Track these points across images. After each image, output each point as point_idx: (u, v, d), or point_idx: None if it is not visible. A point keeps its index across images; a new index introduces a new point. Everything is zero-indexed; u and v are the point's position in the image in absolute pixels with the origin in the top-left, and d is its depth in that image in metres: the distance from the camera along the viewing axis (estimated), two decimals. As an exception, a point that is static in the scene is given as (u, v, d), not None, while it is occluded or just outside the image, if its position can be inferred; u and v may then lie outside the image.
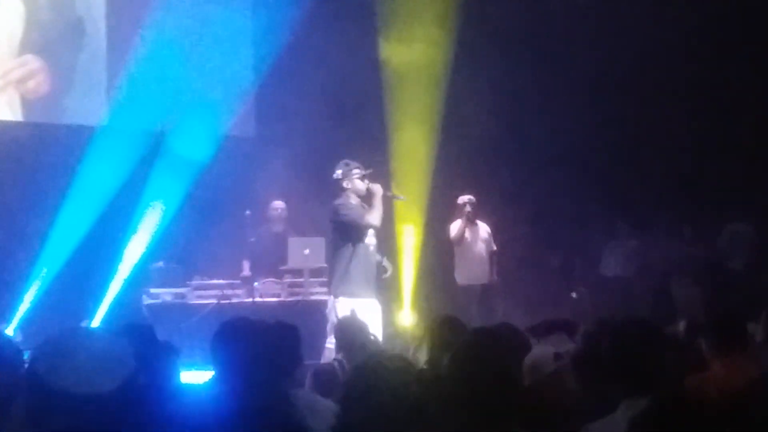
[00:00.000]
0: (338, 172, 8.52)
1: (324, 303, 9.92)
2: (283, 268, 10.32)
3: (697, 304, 11.21)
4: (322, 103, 11.28)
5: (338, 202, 8.51)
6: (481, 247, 10.60)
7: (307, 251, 10.26)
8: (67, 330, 2.34)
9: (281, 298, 10.20)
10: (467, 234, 10.55)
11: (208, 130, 11.01)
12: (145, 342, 4.44)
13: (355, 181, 8.44)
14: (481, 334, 4.11)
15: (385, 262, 8.91)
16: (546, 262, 12.36)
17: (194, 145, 10.80)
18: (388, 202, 8.73)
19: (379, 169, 11.19)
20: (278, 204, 10.83)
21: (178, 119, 11.02)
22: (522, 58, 11.75)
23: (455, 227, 10.61)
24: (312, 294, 10.27)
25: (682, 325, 5.48)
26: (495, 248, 10.75)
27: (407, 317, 10.46)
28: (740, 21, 11.57)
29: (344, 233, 8.47)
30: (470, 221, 10.58)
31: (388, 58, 11.41)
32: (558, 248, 12.48)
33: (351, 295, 8.33)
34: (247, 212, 10.67)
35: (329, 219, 8.66)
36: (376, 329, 7.80)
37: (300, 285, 10.28)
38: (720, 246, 11.45)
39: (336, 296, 8.51)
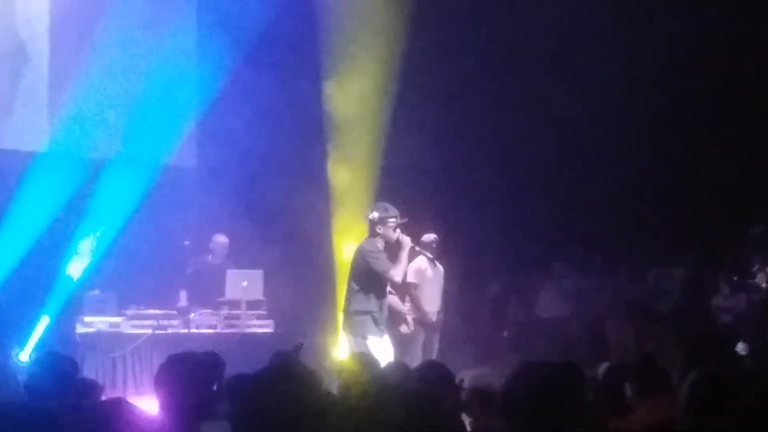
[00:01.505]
0: (375, 215, 8.44)
1: (260, 335, 9.99)
2: (220, 299, 10.30)
3: (631, 346, 11.40)
4: (265, 136, 11.31)
5: (368, 247, 8.44)
6: (438, 286, 10.60)
7: (245, 283, 10.26)
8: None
9: (217, 330, 10.17)
10: (430, 272, 10.54)
11: (149, 160, 10.98)
12: (66, 374, 4.40)
13: (388, 228, 8.37)
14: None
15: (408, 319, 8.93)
16: (481, 303, 12.44)
17: (135, 174, 10.76)
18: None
19: (323, 205, 11.30)
20: (220, 238, 10.80)
21: (119, 148, 10.99)
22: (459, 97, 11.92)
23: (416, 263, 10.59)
24: (249, 327, 10.27)
25: (602, 368, 5.56)
26: (446, 289, 10.78)
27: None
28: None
29: (368, 279, 8.43)
30: (431, 260, 10.56)
31: (329, 92, 11.49)
32: (493, 288, 12.58)
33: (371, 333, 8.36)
34: (186, 243, 10.63)
35: (354, 259, 8.58)
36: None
37: (237, 317, 10.27)
38: (648, 288, 11.67)
39: (354, 335, 8.42)
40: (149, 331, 9.97)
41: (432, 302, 10.30)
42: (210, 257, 10.77)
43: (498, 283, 12.54)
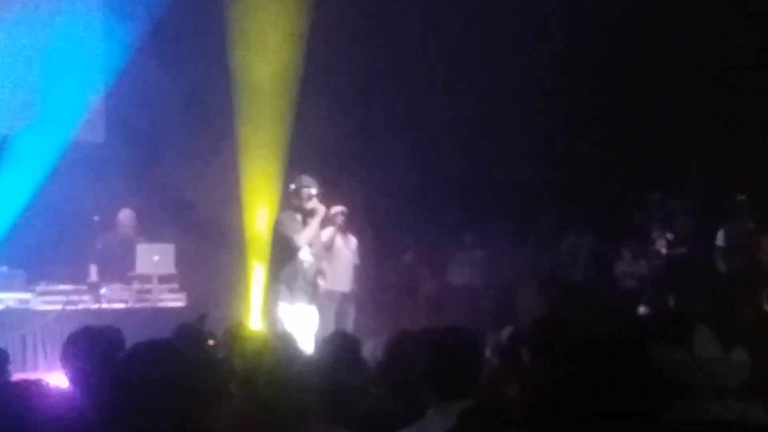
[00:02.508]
0: (291, 186, 8.67)
1: (172, 309, 10.00)
2: (131, 274, 10.27)
3: (539, 314, 11.65)
4: (173, 109, 11.26)
5: (279, 216, 8.80)
6: (348, 257, 10.69)
7: (156, 258, 10.25)
8: None
9: (129, 305, 10.15)
10: (338, 242, 10.62)
11: (56, 134, 10.85)
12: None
13: (303, 199, 8.52)
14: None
15: (320, 279, 8.95)
16: (392, 271, 12.59)
17: (42, 149, 10.64)
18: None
19: (231, 174, 11.30)
20: (127, 212, 10.75)
21: (25, 122, 10.85)
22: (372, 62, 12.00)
23: (326, 234, 10.67)
24: (161, 301, 10.27)
25: (505, 333, 5.72)
26: (359, 261, 10.87)
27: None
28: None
29: (278, 247, 8.66)
30: (341, 231, 10.65)
31: (239, 65, 11.47)
32: (405, 257, 12.73)
33: (283, 300, 8.51)
34: (96, 218, 10.56)
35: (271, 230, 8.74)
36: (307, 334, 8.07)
37: (149, 291, 10.25)
38: (560, 257, 11.93)
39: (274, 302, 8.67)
40: (59, 307, 9.91)
41: (342, 273, 10.42)
42: (120, 231, 10.71)
43: (410, 252, 12.69)
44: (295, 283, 8.52)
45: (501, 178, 12.66)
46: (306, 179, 8.61)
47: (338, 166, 11.42)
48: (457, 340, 4.06)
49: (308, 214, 8.52)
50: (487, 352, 5.42)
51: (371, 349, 5.69)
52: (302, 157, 10.95)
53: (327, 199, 8.94)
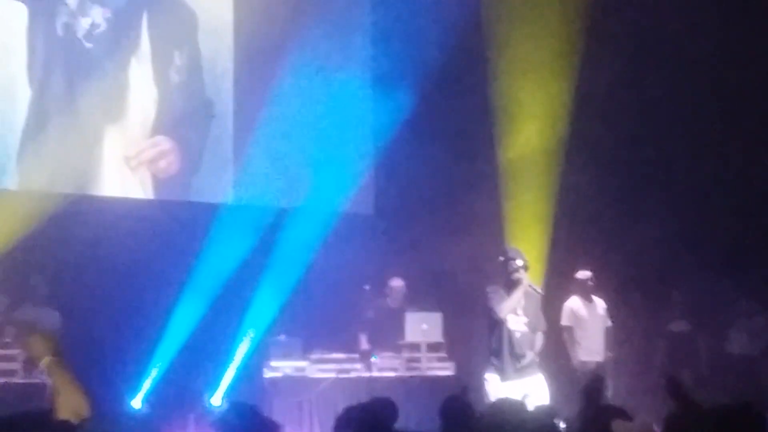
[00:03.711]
0: (500, 259, 8.95)
1: (441, 378, 10.08)
2: (400, 342, 10.45)
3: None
4: (440, 180, 11.46)
5: (488, 287, 8.99)
6: (598, 323, 10.49)
7: (424, 326, 10.40)
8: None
9: (399, 373, 10.31)
10: (585, 311, 10.48)
11: (327, 207, 11.26)
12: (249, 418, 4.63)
13: (509, 270, 8.80)
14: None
15: (530, 346, 9.00)
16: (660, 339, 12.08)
17: (314, 222, 11.05)
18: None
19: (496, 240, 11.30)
20: (397, 281, 10.97)
21: (299, 196, 11.33)
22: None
23: (573, 305, 10.54)
24: (430, 369, 10.37)
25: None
26: (610, 324, 10.63)
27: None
28: None
29: (487, 319, 8.94)
30: (587, 298, 10.50)
31: (503, 135, 11.55)
32: (677, 324, 12.21)
33: (492, 372, 8.77)
34: (366, 287, 10.86)
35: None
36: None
37: (417, 360, 10.39)
38: None
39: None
40: (333, 374, 10.22)
41: (592, 342, 10.18)
42: (388, 300, 10.94)
43: (683, 319, 12.14)
44: (500, 355, 8.68)
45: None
46: (512, 251, 8.96)
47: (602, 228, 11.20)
48: (741, 418, 3.82)
49: (513, 286, 8.73)
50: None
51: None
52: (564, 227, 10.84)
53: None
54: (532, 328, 8.88)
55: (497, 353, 8.72)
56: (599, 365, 10.30)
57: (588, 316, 10.46)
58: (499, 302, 8.72)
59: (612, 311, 10.61)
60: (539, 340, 9.02)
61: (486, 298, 8.87)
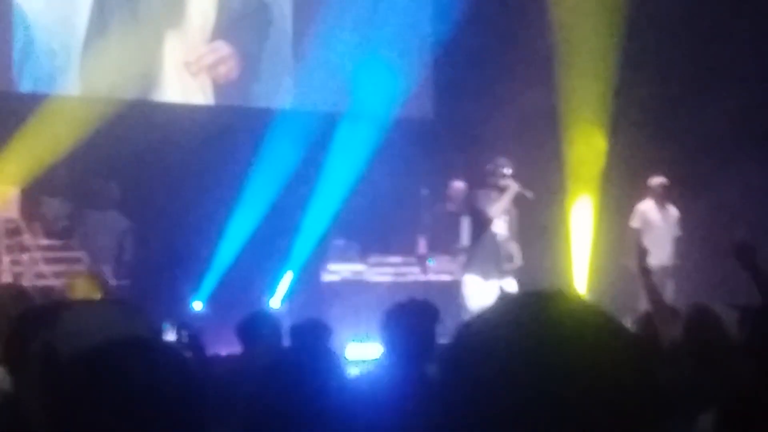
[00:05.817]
0: (488, 167, 9.23)
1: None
2: (457, 246, 10.47)
3: None
4: (502, 81, 11.26)
5: (476, 191, 9.43)
6: (667, 231, 10.44)
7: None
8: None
9: (454, 277, 10.35)
10: (657, 216, 10.43)
11: (384, 111, 11.21)
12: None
13: (497, 176, 9.11)
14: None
15: (515, 251, 9.19)
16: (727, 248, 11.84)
17: (371, 125, 11.02)
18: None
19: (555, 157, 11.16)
20: (458, 185, 10.93)
21: (356, 100, 11.30)
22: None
23: (646, 208, 10.46)
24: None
25: None
26: (680, 233, 10.55)
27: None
28: None
29: (472, 220, 9.31)
30: (661, 204, 10.47)
31: (562, 36, 11.27)
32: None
33: (475, 273, 9.05)
34: (424, 191, 10.87)
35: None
36: None
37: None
38: None
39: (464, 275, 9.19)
40: (390, 278, 10.32)
41: (659, 247, 10.09)
42: (448, 204, 10.94)
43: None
44: (488, 258, 8.92)
45: None
46: (501, 160, 9.16)
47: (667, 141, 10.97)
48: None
49: (501, 191, 9.01)
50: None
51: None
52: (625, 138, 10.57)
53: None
54: (515, 237, 9.22)
55: (482, 254, 8.97)
56: (664, 269, 10.22)
57: (658, 221, 10.41)
58: (488, 204, 8.99)
59: (684, 222, 10.51)
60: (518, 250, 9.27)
61: (475, 199, 9.22)
